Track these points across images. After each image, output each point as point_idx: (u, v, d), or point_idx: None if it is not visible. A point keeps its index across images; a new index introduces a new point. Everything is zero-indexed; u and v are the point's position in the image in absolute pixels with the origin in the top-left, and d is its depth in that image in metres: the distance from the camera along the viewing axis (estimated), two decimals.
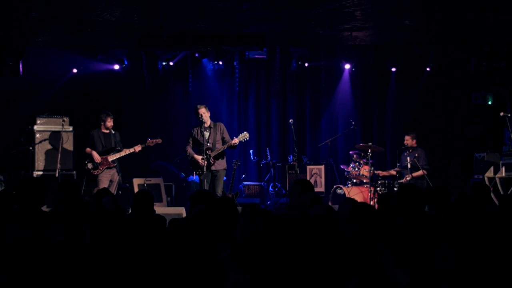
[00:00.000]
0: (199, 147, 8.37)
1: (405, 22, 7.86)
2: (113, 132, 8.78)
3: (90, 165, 8.57)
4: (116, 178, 8.73)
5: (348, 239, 3.55)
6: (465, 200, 4.66)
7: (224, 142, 8.35)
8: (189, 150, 8.43)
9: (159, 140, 8.94)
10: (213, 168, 8.21)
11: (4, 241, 3.17)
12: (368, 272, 3.08)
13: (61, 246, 2.57)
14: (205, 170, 8.13)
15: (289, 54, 11.06)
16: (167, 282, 2.95)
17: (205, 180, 8.15)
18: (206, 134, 8.22)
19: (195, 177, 8.62)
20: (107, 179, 8.58)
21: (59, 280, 2.48)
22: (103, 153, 8.61)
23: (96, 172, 8.53)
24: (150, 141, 8.84)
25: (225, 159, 8.46)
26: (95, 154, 8.54)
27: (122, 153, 8.70)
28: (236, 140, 8.24)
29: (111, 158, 8.59)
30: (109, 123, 8.72)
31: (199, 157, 8.22)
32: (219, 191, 8.20)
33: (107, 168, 8.58)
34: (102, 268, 2.64)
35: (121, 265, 2.94)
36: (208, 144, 8.20)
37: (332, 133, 10.70)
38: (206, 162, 8.11)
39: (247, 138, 8.52)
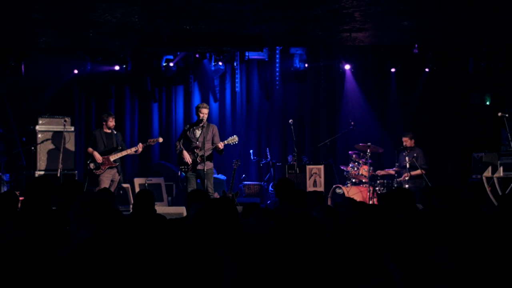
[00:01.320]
0: (188, 145, 8.40)
1: (404, 23, 7.90)
2: (115, 132, 8.85)
3: (92, 165, 8.62)
4: (117, 177, 8.79)
5: (346, 238, 3.61)
6: (462, 199, 4.73)
7: (213, 144, 8.40)
8: (180, 145, 8.45)
9: (160, 139, 9.02)
10: (199, 167, 8.23)
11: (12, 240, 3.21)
12: (367, 271, 3.12)
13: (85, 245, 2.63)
14: (189, 168, 8.21)
15: (289, 54, 11.15)
16: (167, 281, 2.99)
17: (191, 179, 8.22)
18: (198, 132, 8.29)
19: (180, 174, 8.67)
20: (109, 178, 8.64)
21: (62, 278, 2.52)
22: (105, 153, 8.67)
23: (98, 172, 8.59)
24: (151, 140, 8.92)
25: (212, 162, 8.49)
26: (96, 154, 8.59)
27: (124, 153, 8.77)
28: (221, 145, 8.26)
29: (113, 158, 8.65)
30: (111, 123, 8.78)
31: (187, 154, 8.27)
32: (210, 190, 8.22)
33: (109, 168, 8.63)
34: (103, 266, 2.68)
35: (122, 263, 2.98)
36: (198, 142, 8.26)
37: (332, 133, 10.76)
38: (192, 160, 8.20)
39: (236, 142, 8.59)
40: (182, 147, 8.42)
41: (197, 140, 8.26)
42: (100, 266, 2.53)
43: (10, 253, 2.60)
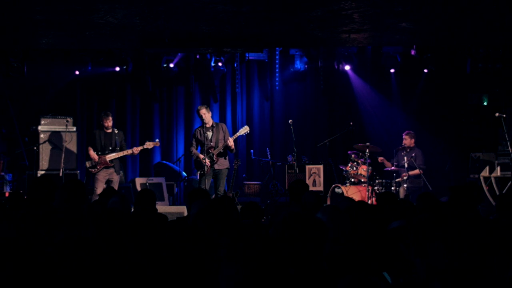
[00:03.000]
0: (202, 147, 8.49)
1: (402, 24, 7.96)
2: (116, 131, 8.89)
3: (88, 164, 8.70)
4: (116, 177, 8.79)
5: (344, 237, 3.66)
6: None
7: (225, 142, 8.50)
8: (194, 150, 8.54)
9: (157, 143, 9.01)
10: (216, 167, 8.34)
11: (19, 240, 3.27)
12: (364, 269, 3.18)
13: (64, 243, 2.67)
14: (208, 169, 8.28)
15: (289, 55, 11.23)
16: (167, 279, 3.03)
17: (205, 179, 8.29)
18: (209, 134, 8.37)
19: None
20: (105, 178, 8.68)
21: (61, 277, 2.56)
22: (102, 152, 8.73)
23: (93, 171, 8.65)
24: (148, 144, 8.93)
25: (227, 159, 8.60)
26: (92, 153, 8.67)
27: (120, 154, 8.78)
28: (231, 141, 8.33)
29: (109, 158, 8.69)
30: (107, 123, 8.79)
31: (201, 155, 8.36)
32: (221, 190, 8.35)
33: (104, 167, 8.68)
34: (104, 265, 2.72)
35: (123, 262, 3.03)
36: (211, 143, 8.35)
37: (331, 133, 10.83)
38: (209, 161, 8.27)
39: (248, 132, 8.73)
40: (196, 151, 8.49)
41: (211, 141, 8.34)
42: (94, 265, 2.55)
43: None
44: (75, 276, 2.55)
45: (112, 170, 8.74)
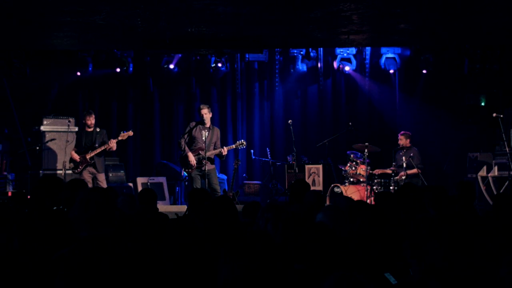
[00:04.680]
0: (191, 144, 8.50)
1: (400, 26, 8.03)
2: (98, 130, 8.90)
3: (71, 165, 8.77)
4: (101, 176, 8.78)
5: (343, 236, 3.72)
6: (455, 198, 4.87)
7: (215, 147, 8.56)
8: (183, 143, 8.50)
9: (130, 133, 8.94)
10: (203, 168, 8.37)
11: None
12: (363, 269, 3.23)
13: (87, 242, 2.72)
14: (193, 169, 8.34)
15: (288, 56, 11.30)
16: (168, 278, 3.09)
17: (198, 179, 8.35)
18: (204, 134, 8.40)
19: (182, 174, 8.78)
20: (90, 177, 8.72)
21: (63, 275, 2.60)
22: (83, 151, 8.76)
23: (76, 171, 8.71)
24: (123, 135, 8.87)
25: (214, 163, 8.65)
26: (72, 154, 8.75)
27: (99, 150, 8.74)
28: (224, 151, 8.43)
29: (89, 156, 8.71)
30: (88, 121, 8.82)
31: (192, 157, 8.38)
32: (217, 188, 8.38)
33: (85, 166, 8.71)
34: (105, 264, 2.73)
35: (124, 261, 3.08)
36: (203, 144, 8.39)
37: (330, 133, 10.90)
38: (197, 161, 8.33)
39: (244, 146, 8.76)
40: (187, 148, 8.48)
41: (204, 142, 8.39)
42: (97, 264, 2.55)
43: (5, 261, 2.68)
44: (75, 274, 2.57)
45: (94, 169, 8.75)
